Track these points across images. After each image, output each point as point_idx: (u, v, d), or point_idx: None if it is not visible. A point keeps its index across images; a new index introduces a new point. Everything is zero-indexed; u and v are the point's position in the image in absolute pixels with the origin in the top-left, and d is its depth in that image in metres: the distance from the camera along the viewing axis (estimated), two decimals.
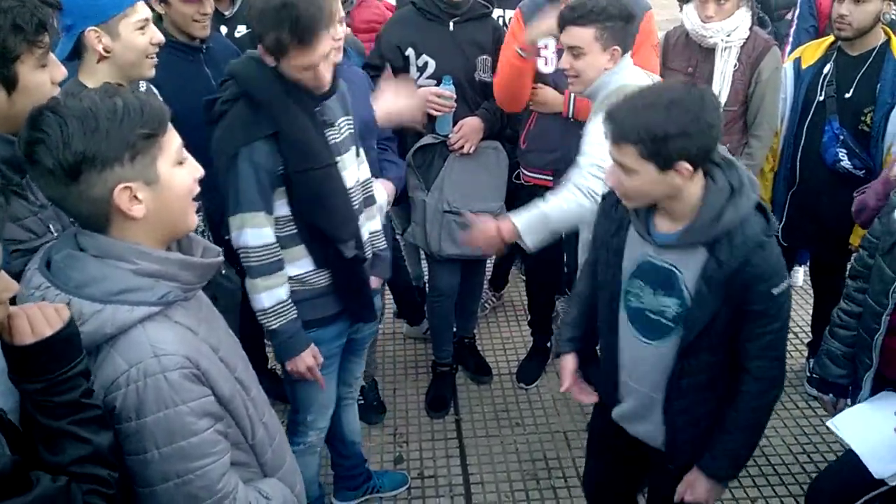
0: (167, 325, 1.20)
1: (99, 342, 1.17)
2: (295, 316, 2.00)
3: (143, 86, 2.04)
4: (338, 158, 1.99)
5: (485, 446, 3.02)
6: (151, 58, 1.93)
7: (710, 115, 1.51)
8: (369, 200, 2.21)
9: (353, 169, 2.08)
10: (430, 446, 3.04)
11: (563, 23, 2.14)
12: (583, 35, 2.10)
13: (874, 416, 1.83)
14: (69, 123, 1.10)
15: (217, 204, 2.05)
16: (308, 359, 2.03)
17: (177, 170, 1.22)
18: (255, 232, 1.91)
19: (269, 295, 1.95)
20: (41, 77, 1.40)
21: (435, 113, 2.79)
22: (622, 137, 1.52)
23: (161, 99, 2.13)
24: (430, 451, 3.01)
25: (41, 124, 1.11)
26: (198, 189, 1.29)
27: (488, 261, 3.66)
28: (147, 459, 1.17)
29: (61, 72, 1.47)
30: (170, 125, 1.22)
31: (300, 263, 2.02)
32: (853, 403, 2.00)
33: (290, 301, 1.99)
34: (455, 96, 2.78)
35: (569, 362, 1.97)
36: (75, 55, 1.88)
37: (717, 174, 1.60)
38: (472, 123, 2.85)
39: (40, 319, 1.08)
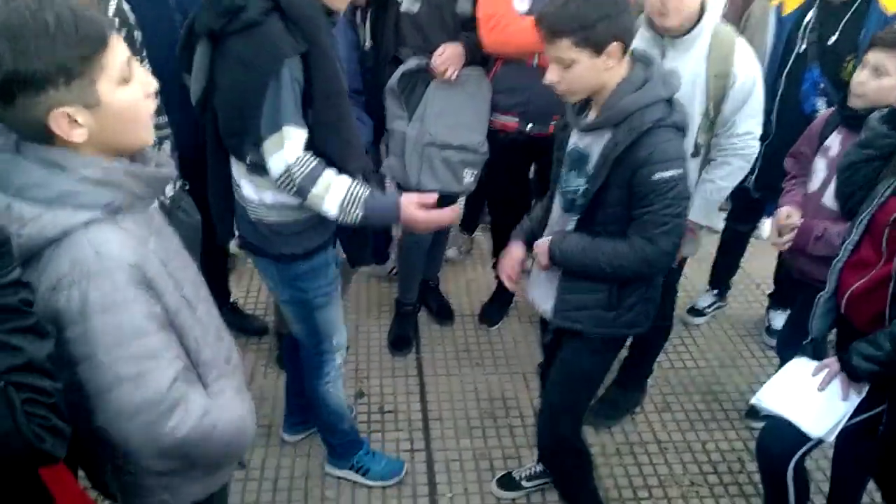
0: (113, 229, 1.14)
1: (41, 246, 1.10)
2: (366, 193, 1.86)
3: (112, 1, 1.94)
4: None
5: (444, 384, 3.04)
6: None
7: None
8: None
9: None
10: (391, 382, 3.04)
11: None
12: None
13: (793, 382, 1.88)
14: None
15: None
16: (415, 212, 1.91)
17: (121, 89, 1.12)
18: (294, 146, 1.79)
19: (331, 199, 1.84)
20: None
21: None
22: (557, 33, 1.67)
23: (129, 13, 2.04)
24: (390, 388, 3.01)
25: None
26: (153, 104, 1.21)
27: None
28: (94, 364, 1.13)
29: None
30: (114, 39, 1.11)
31: None
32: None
33: (348, 187, 1.85)
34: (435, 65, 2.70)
35: (515, 249, 2.10)
36: None
37: (637, 68, 1.76)
38: (454, 48, 2.74)
39: None
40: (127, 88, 1.14)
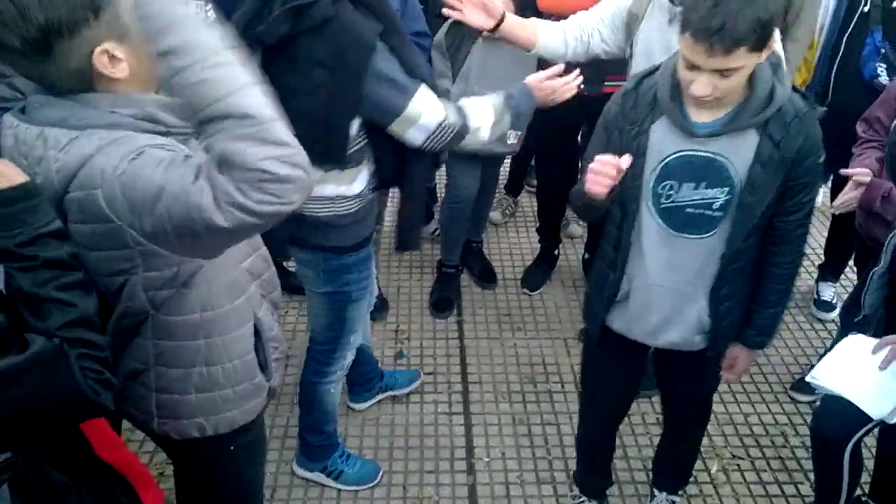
0: (148, 140, 1.12)
1: (79, 165, 1.09)
2: (501, 99, 1.89)
3: None
4: None
5: (485, 348, 3.04)
6: None
7: None
8: None
9: None
10: (432, 344, 3.06)
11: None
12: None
13: (852, 360, 1.79)
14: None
15: None
16: (545, 88, 1.96)
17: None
18: (432, 103, 1.76)
19: (485, 124, 1.86)
20: None
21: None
22: (740, 41, 1.39)
23: None
24: (430, 350, 3.03)
25: None
26: None
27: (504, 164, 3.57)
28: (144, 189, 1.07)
29: None
30: None
31: (362, 178, 1.92)
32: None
33: (490, 104, 1.87)
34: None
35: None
36: None
37: None
38: (505, 2, 2.64)
39: (11, 169, 1.06)
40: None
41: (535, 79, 1.91)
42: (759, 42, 1.41)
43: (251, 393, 1.45)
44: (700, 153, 1.60)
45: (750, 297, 1.77)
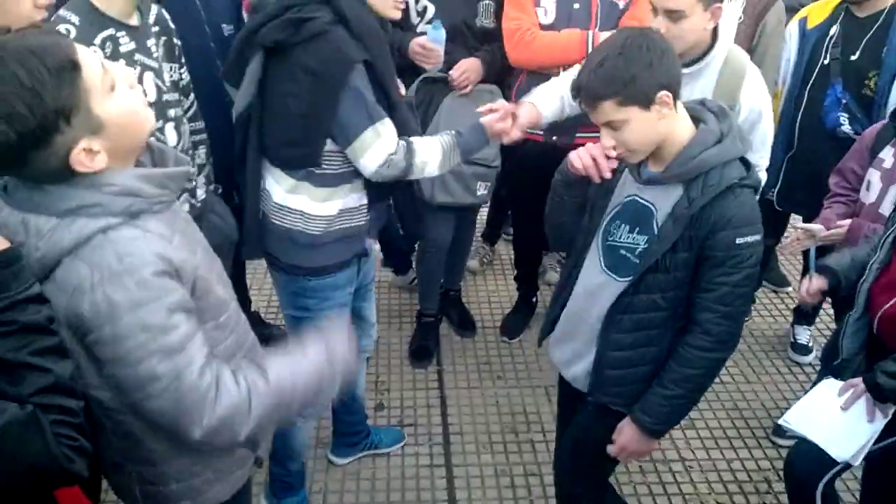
0: (134, 231, 1.13)
1: (60, 256, 1.09)
2: (451, 139, 2.00)
3: (154, 9, 1.96)
4: None
5: (466, 397, 3.02)
6: None
7: (659, 45, 1.54)
8: None
9: None
10: (412, 395, 3.03)
11: None
12: None
13: (820, 403, 1.83)
14: None
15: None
16: (498, 126, 2.04)
17: (113, 98, 1.11)
18: (390, 135, 1.89)
19: (432, 161, 1.97)
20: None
21: (422, 65, 2.69)
22: (598, 97, 1.54)
23: (170, 22, 2.04)
24: (411, 400, 3.00)
25: None
26: (139, 88, 1.20)
27: (480, 213, 3.61)
28: (126, 363, 1.12)
29: None
30: (79, 53, 1.07)
31: (334, 204, 1.98)
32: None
33: (439, 143, 1.98)
34: (442, 48, 2.65)
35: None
36: None
37: (709, 120, 1.61)
38: (472, 62, 2.75)
39: None
40: (116, 94, 1.12)
41: (488, 119, 2.02)
42: (631, 97, 1.51)
43: (235, 465, 1.43)
44: (638, 199, 1.69)
45: (655, 372, 1.73)
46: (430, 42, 2.60)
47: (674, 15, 1.99)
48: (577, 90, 1.58)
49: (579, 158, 1.69)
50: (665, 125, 1.57)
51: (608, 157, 1.65)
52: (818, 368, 3.03)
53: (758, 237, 1.61)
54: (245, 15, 2.53)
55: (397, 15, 1.98)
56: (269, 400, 1.26)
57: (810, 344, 3.26)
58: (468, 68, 2.74)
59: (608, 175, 1.67)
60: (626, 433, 1.76)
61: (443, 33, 2.58)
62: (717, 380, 3.08)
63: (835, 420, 1.77)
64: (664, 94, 1.52)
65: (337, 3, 1.82)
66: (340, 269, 2.07)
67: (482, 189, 2.92)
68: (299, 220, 1.98)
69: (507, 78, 2.89)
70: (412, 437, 2.81)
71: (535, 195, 3.19)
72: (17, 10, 1.31)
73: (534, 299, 3.51)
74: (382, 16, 1.94)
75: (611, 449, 1.80)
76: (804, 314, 3.27)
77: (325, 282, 2.05)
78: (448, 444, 2.79)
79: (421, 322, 3.32)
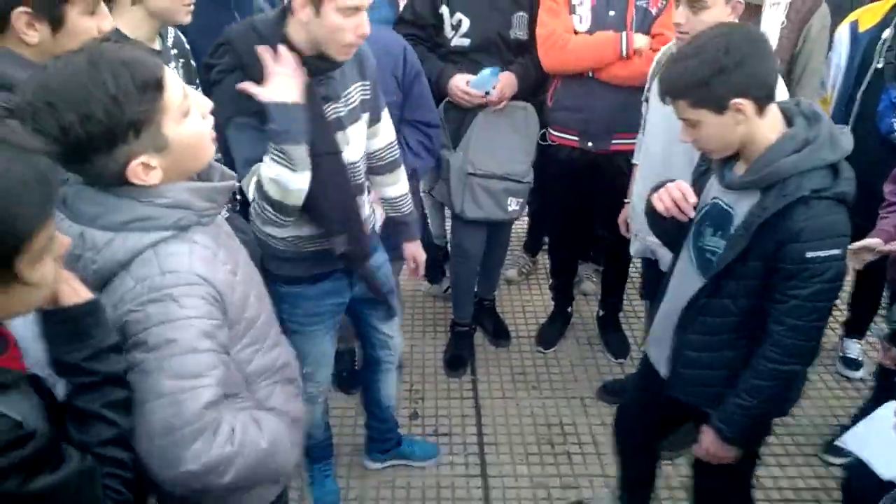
0: (182, 244, 1.16)
1: (114, 270, 1.13)
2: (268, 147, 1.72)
3: (171, 32, 1.98)
4: (339, 133, 1.82)
5: (500, 408, 2.96)
6: (187, 4, 1.84)
7: (743, 49, 1.49)
8: (392, 165, 2.12)
9: (359, 141, 1.91)
10: (446, 405, 2.98)
11: None
12: None
13: (878, 423, 1.77)
14: (63, 115, 1.03)
15: None
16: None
17: (184, 123, 1.15)
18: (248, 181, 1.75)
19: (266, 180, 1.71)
20: (89, 23, 1.42)
21: (464, 104, 2.72)
22: (671, 94, 1.57)
23: (187, 45, 2.06)
24: (445, 410, 2.95)
25: (37, 119, 1.03)
26: (211, 120, 1.22)
27: (516, 225, 3.56)
28: (142, 371, 1.11)
29: (109, 22, 1.48)
30: (167, 76, 1.12)
31: (306, 228, 1.90)
32: None
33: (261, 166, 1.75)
34: (492, 97, 2.69)
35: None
36: None
37: (798, 124, 1.56)
38: (507, 78, 2.74)
39: (80, 284, 1.07)
40: (188, 119, 1.16)
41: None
42: (702, 101, 1.50)
43: (266, 486, 1.42)
44: (720, 202, 1.67)
45: (732, 377, 1.69)
46: (473, 89, 2.65)
47: (695, 5, 2.02)
48: (661, 83, 1.63)
49: (661, 201, 1.70)
50: (745, 129, 1.54)
51: (687, 200, 1.66)
52: (870, 384, 2.92)
53: (835, 251, 1.52)
54: None
55: (345, 56, 1.73)
56: (260, 458, 1.22)
57: (860, 358, 3.13)
58: (504, 84, 2.73)
59: (692, 214, 1.69)
60: (706, 439, 1.74)
61: (495, 82, 2.65)
62: None
63: (887, 439, 1.69)
64: (738, 102, 1.49)
65: (235, 47, 1.70)
66: (312, 281, 2.01)
67: (514, 205, 2.90)
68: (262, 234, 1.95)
69: (540, 94, 2.87)
70: (447, 446, 2.76)
71: (571, 203, 3.16)
72: (86, 36, 1.40)
73: (569, 309, 3.44)
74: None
75: (697, 450, 1.79)
76: (854, 327, 3.15)
77: (294, 290, 2.01)
78: (483, 454, 2.73)
79: (455, 331, 3.28)
